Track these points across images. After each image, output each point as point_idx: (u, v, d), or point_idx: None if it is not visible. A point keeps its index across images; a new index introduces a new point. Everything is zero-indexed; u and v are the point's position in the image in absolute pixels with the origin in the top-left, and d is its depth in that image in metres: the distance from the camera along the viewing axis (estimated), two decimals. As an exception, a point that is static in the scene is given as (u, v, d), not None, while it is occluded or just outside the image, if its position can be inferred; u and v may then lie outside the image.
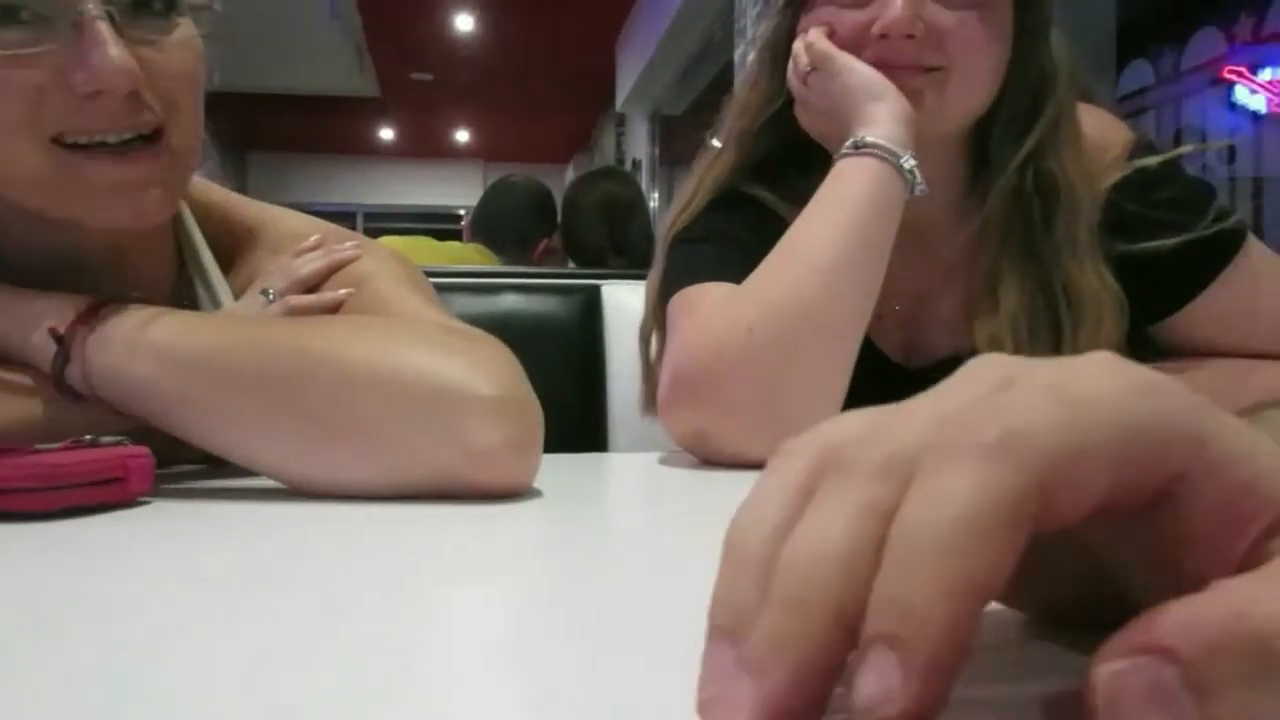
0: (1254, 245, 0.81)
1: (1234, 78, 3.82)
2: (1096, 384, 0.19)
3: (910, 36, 0.75)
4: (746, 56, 3.59)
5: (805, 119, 0.82)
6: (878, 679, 0.16)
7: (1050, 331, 0.78)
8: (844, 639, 0.18)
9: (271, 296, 0.66)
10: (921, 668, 0.16)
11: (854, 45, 0.77)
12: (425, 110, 8.66)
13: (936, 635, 0.16)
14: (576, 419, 1.16)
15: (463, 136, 9.79)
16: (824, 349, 0.71)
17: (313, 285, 0.68)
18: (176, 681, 0.25)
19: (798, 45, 0.81)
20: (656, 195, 6.31)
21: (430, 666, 0.26)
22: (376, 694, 0.23)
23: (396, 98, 8.03)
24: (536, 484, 0.56)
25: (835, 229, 0.72)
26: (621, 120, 7.11)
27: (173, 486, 0.58)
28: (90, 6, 0.53)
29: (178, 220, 0.70)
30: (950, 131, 0.81)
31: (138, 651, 0.27)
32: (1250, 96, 3.78)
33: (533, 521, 0.50)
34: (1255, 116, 3.75)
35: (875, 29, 0.76)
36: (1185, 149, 0.86)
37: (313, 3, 5.34)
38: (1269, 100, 3.70)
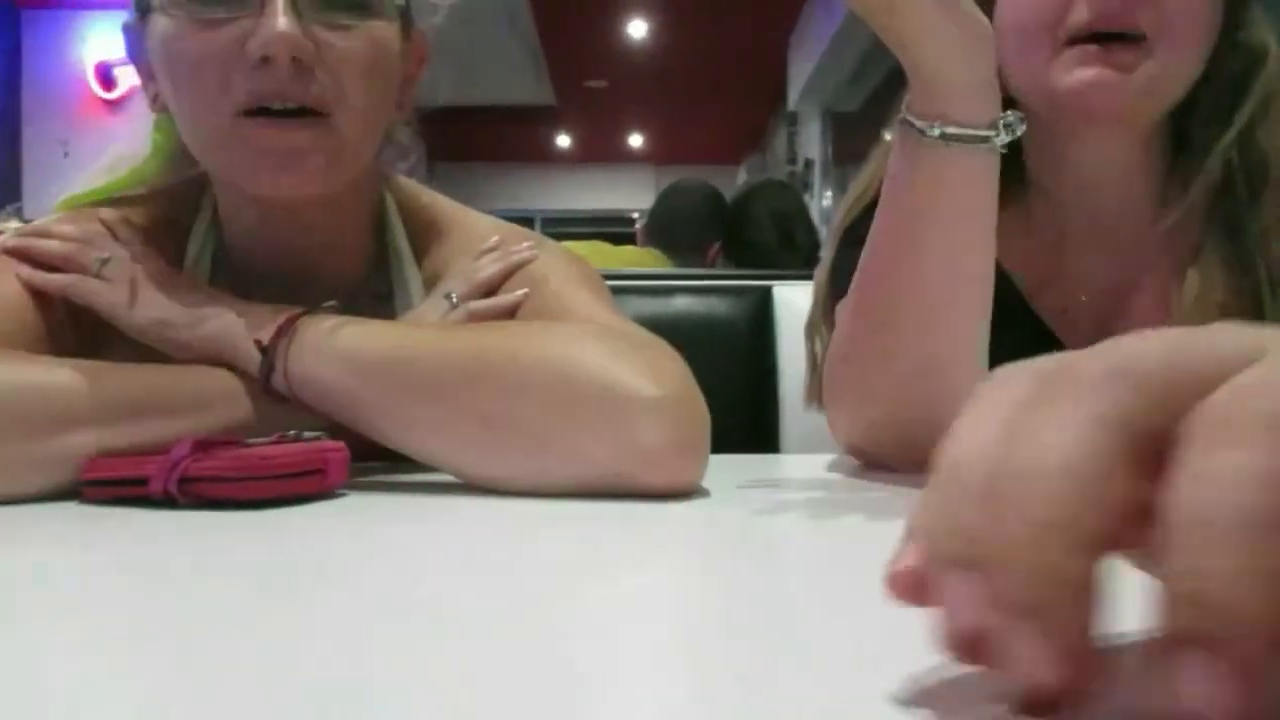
0: None
1: None
2: None
3: None
4: (923, 49, 3.48)
5: None
6: (1205, 688, 0.15)
7: (1255, 320, 0.72)
8: (1101, 558, 0.17)
9: (454, 301, 0.70)
10: (1253, 677, 0.15)
11: (1052, 25, 0.72)
12: (599, 116, 8.83)
13: (1262, 637, 0.15)
14: (748, 420, 1.16)
15: (635, 141, 9.92)
16: (938, 341, 0.65)
17: (491, 287, 0.71)
18: (370, 655, 0.27)
19: None
20: (830, 195, 6.21)
21: (589, 662, 0.27)
22: (539, 686, 0.25)
23: (571, 105, 8.21)
24: (705, 483, 0.57)
25: (902, 198, 0.64)
26: (794, 119, 7.03)
27: (364, 480, 0.62)
28: None
29: (382, 215, 0.75)
30: (1155, 111, 0.76)
31: (349, 627, 0.30)
32: None
33: (696, 520, 0.51)
34: None
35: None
36: None
37: (491, 18, 5.54)
38: None
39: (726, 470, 0.63)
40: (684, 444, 0.55)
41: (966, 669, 0.23)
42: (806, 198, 5.43)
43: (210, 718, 0.22)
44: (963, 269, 0.64)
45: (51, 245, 0.66)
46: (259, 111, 0.61)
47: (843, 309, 0.78)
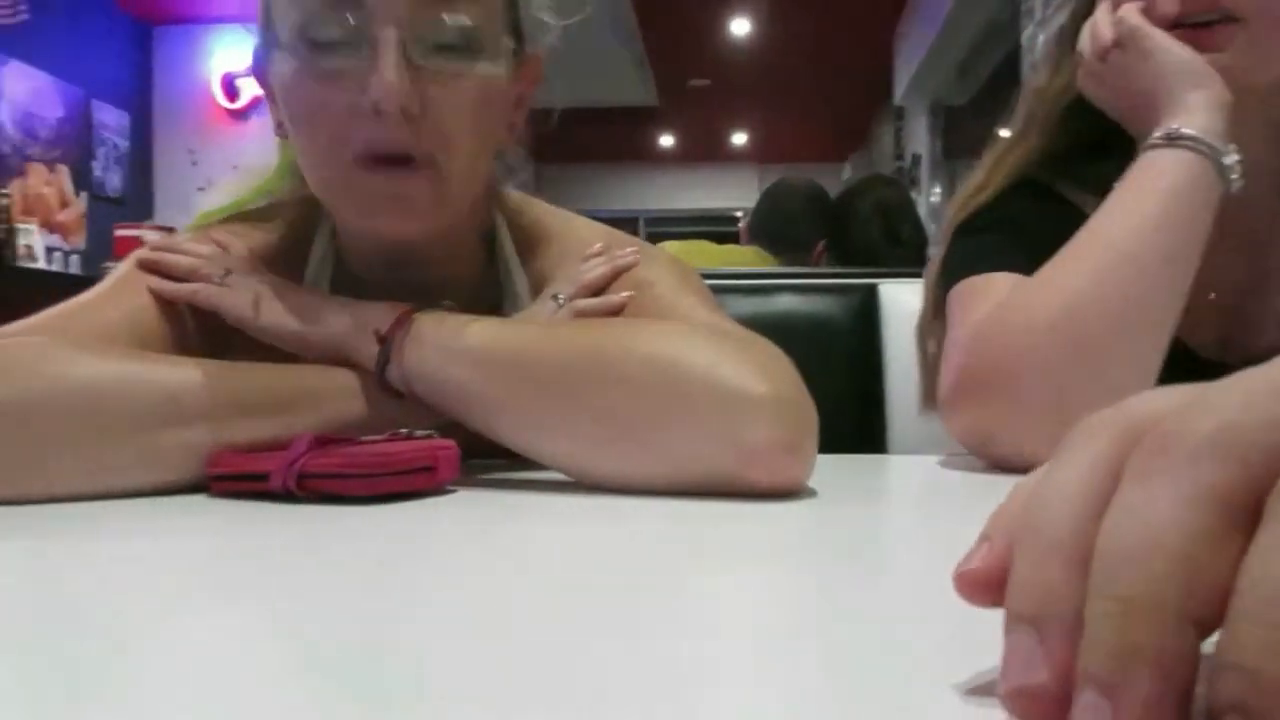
0: None
1: None
2: None
3: None
4: (1036, 39, 3.38)
5: (1097, 94, 0.76)
6: None
7: None
8: (1192, 638, 0.16)
9: (561, 301, 0.71)
10: None
11: (1162, 20, 0.71)
12: (702, 116, 8.83)
13: None
14: (854, 419, 1.14)
15: (739, 139, 9.89)
16: (1129, 348, 0.66)
17: (597, 290, 0.72)
18: (475, 646, 0.27)
19: (1101, 16, 0.75)
20: (938, 190, 6.08)
21: (690, 660, 0.27)
22: (640, 681, 0.25)
23: (675, 105, 8.23)
24: (811, 483, 0.56)
25: (1144, 223, 0.67)
26: (900, 114, 6.90)
27: (473, 477, 0.63)
28: (387, 33, 0.61)
29: (491, 227, 0.77)
30: (1268, 90, 0.72)
31: (456, 617, 0.30)
32: None
33: (803, 519, 0.50)
34: None
35: None
36: None
37: (595, 20, 5.60)
38: None
39: (835, 470, 0.62)
40: (791, 443, 0.55)
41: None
42: (914, 194, 5.32)
43: (320, 702, 0.23)
44: (1162, 296, 0.67)
45: (180, 260, 0.70)
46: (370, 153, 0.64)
47: (959, 298, 0.76)
